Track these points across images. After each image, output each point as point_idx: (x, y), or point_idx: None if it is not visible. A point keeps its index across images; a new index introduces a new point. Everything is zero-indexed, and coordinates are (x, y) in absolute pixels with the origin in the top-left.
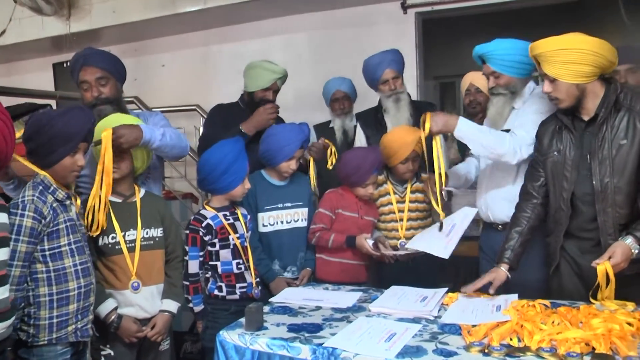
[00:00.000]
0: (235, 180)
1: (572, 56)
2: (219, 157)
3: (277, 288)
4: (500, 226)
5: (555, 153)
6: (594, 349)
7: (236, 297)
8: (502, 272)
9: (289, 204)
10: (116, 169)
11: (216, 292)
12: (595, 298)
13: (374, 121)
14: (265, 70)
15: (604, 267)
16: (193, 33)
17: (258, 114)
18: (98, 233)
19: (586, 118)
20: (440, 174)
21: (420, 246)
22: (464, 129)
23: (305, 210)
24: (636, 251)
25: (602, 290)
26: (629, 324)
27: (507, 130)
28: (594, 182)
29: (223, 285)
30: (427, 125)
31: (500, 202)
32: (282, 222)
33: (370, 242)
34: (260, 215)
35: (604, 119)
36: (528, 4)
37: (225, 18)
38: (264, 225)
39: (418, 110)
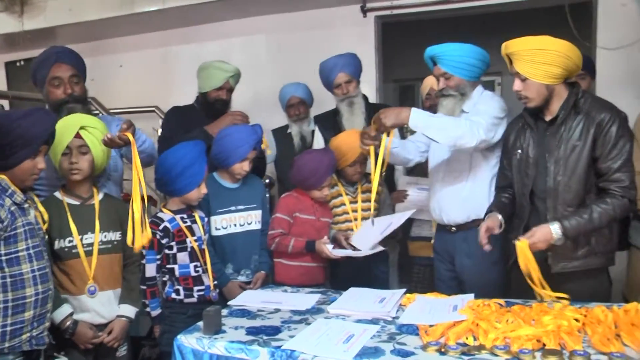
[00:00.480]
0: (190, 183)
1: (545, 57)
2: (175, 159)
3: (230, 293)
4: (453, 228)
5: (519, 151)
6: (544, 345)
7: (194, 300)
8: (496, 216)
9: (242, 207)
10: (78, 170)
11: (173, 295)
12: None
13: (332, 124)
14: (217, 70)
15: (521, 244)
16: (152, 33)
17: (225, 118)
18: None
19: (548, 118)
20: (381, 173)
21: (358, 250)
22: (418, 117)
23: (258, 212)
24: (557, 237)
25: (520, 264)
26: (577, 320)
27: None
28: (547, 180)
29: (180, 288)
30: (377, 125)
31: (454, 204)
32: (235, 225)
33: (330, 246)
34: (213, 218)
35: (562, 120)
36: (485, 10)
37: (185, 19)
38: (216, 229)
39: (375, 113)
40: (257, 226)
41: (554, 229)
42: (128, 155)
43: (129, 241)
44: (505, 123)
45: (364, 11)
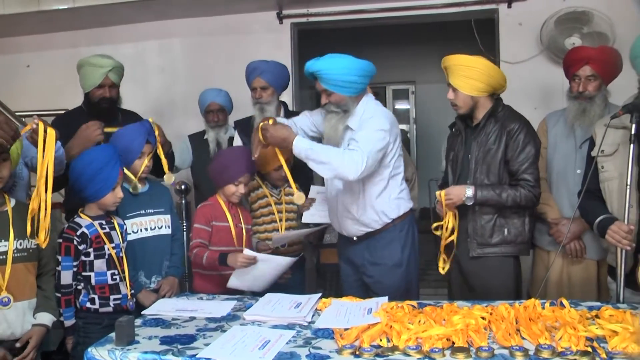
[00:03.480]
0: (103, 188)
1: (472, 73)
2: (85, 163)
3: (146, 300)
4: (355, 237)
5: (452, 153)
6: (453, 343)
7: (110, 309)
8: None
9: (151, 210)
10: (1, 179)
11: (88, 304)
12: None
13: (250, 129)
14: (92, 67)
15: (440, 193)
16: (62, 33)
17: (81, 132)
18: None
19: (474, 124)
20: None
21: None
22: (300, 147)
23: (167, 217)
24: (468, 196)
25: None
26: (483, 318)
27: None
28: (469, 177)
29: (96, 297)
30: (262, 137)
31: (349, 222)
32: (146, 229)
33: (249, 251)
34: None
35: (482, 126)
36: (398, 21)
37: (97, 19)
38: (127, 234)
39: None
40: (167, 231)
41: (468, 191)
42: (31, 163)
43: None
44: (392, 134)
45: (280, 18)
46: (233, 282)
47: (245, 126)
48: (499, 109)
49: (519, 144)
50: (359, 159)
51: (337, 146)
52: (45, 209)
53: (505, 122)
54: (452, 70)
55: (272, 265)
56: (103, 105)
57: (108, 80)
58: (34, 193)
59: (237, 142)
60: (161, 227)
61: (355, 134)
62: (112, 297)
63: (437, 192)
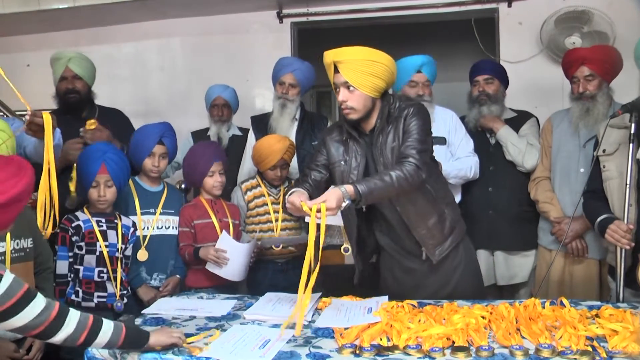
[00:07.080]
0: (84, 186)
1: (377, 70)
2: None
3: (144, 294)
4: None
5: (342, 162)
6: (454, 342)
7: (92, 304)
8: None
9: (161, 210)
10: None
11: (73, 296)
12: None
13: (265, 126)
14: (54, 60)
15: (315, 206)
16: (62, 32)
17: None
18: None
19: (368, 130)
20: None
21: None
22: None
23: (176, 218)
24: (346, 202)
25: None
26: (483, 317)
27: None
28: None
29: (80, 290)
30: None
31: None
32: (153, 228)
33: (223, 241)
34: (131, 218)
35: (380, 129)
36: (398, 20)
37: (97, 18)
38: (134, 236)
39: (309, 121)
40: (174, 231)
41: (344, 192)
42: (25, 152)
43: (40, 224)
44: None
45: (280, 17)
46: (210, 266)
47: (259, 122)
48: (394, 104)
49: (408, 125)
50: None
51: None
52: (51, 199)
53: (401, 113)
54: (349, 65)
55: (238, 252)
56: (70, 99)
57: (69, 72)
58: (41, 183)
59: (251, 137)
60: (168, 227)
61: None
62: (96, 293)
63: (307, 206)
